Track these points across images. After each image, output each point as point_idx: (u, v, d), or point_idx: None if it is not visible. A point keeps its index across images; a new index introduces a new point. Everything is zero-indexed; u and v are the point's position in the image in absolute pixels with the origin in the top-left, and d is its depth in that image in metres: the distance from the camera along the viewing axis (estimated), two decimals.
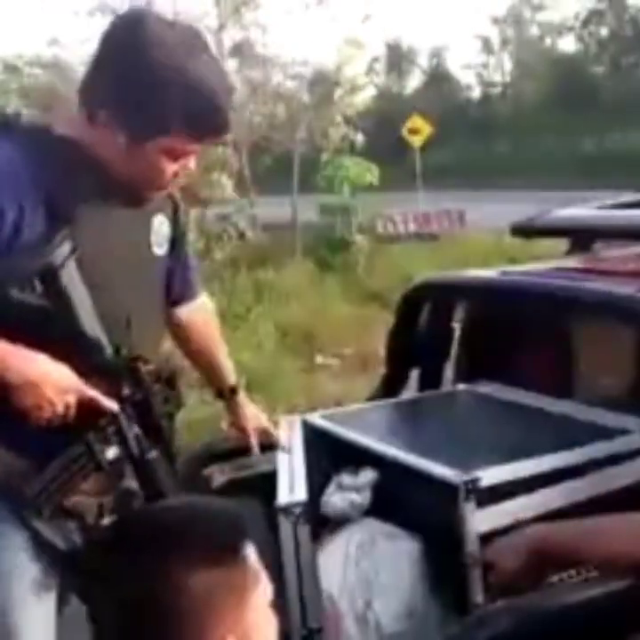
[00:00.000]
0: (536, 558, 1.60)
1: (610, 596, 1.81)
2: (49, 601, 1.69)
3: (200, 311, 2.05)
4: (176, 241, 1.84)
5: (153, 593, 0.97)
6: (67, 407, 1.50)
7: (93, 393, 1.53)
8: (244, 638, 1.00)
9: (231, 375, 2.20)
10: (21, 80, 11.93)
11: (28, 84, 11.59)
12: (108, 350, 1.56)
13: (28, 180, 1.51)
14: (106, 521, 1.64)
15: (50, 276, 1.48)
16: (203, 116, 1.54)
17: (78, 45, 15.56)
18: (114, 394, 1.56)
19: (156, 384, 1.66)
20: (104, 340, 1.55)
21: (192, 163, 1.63)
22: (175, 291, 1.97)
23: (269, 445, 2.31)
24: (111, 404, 1.55)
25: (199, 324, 2.06)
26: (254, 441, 2.24)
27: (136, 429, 1.59)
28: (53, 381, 1.47)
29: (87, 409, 1.53)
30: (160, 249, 1.75)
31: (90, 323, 1.53)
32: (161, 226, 1.75)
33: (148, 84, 1.49)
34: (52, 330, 1.50)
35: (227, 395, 2.21)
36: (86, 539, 1.58)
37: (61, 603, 1.75)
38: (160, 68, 1.49)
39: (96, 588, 1.01)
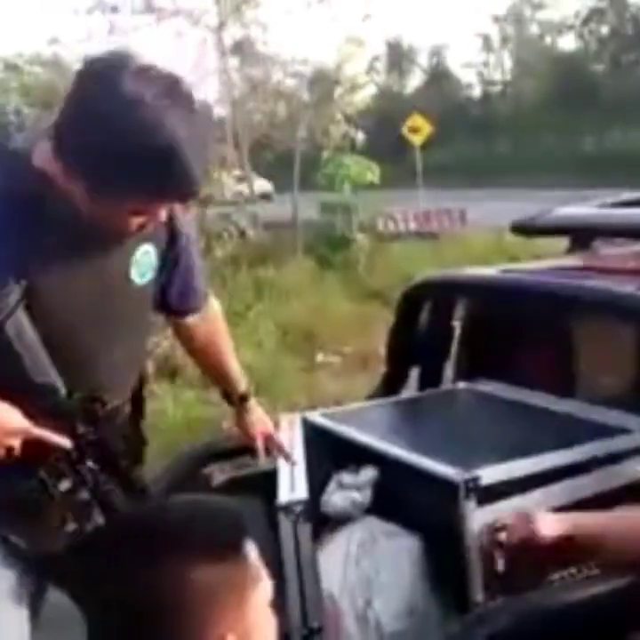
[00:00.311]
0: (565, 543, 1.59)
1: (610, 595, 1.81)
2: (22, 608, 1.70)
3: (205, 322, 2.01)
4: (165, 265, 1.78)
5: (154, 591, 0.96)
6: (9, 449, 1.51)
7: (41, 432, 1.52)
8: (244, 637, 1.00)
9: (240, 382, 2.17)
10: (22, 78, 11.92)
11: (29, 83, 11.58)
12: (62, 393, 1.55)
13: (4, 220, 1.49)
14: (70, 527, 1.66)
15: None
16: (172, 185, 1.45)
17: (78, 44, 15.59)
18: (68, 432, 1.56)
19: (115, 421, 1.65)
20: (58, 382, 1.55)
21: (162, 214, 1.57)
22: (173, 306, 1.93)
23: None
24: (62, 441, 1.54)
25: (204, 335, 2.03)
26: (260, 445, 2.22)
27: (90, 464, 1.59)
28: None
29: (38, 446, 1.53)
30: (142, 278, 1.69)
31: (40, 368, 1.53)
32: (145, 255, 1.69)
33: (108, 145, 1.40)
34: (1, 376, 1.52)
35: (236, 401, 2.19)
36: (57, 543, 1.60)
37: (34, 610, 1.75)
38: (130, 137, 1.38)
39: (95, 587, 1.01)
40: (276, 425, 2.34)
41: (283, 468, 2.21)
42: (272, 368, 6.51)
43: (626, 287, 2.25)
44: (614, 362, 2.49)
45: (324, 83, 14.85)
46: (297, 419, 2.46)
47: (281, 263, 11.38)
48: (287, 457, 2.22)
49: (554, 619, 1.80)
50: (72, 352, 1.56)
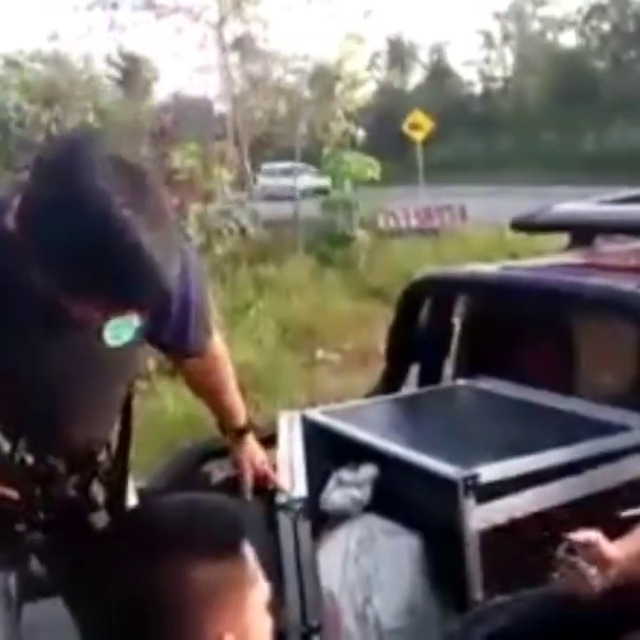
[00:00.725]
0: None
1: (609, 593, 1.81)
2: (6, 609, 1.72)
3: (204, 362, 1.95)
4: (154, 323, 1.68)
5: (152, 589, 0.96)
6: None
7: None
8: (242, 636, 0.99)
9: (239, 417, 2.12)
10: (22, 75, 11.90)
11: (29, 79, 11.56)
12: (3, 451, 1.56)
13: None
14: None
15: None
16: (126, 296, 1.35)
17: (78, 40, 15.59)
18: (17, 488, 1.57)
19: (67, 484, 1.65)
20: (5, 443, 1.56)
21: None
22: (168, 349, 1.89)
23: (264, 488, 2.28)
24: (8, 492, 1.56)
25: (201, 374, 1.99)
26: (248, 480, 2.15)
27: (41, 514, 1.61)
28: None
29: None
30: (118, 340, 1.59)
31: None
32: (123, 322, 1.57)
33: (66, 254, 1.30)
34: None
35: (232, 435, 2.15)
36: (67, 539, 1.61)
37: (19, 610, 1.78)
38: (90, 237, 1.27)
39: (95, 587, 1.00)
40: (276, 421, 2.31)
41: (282, 465, 2.20)
42: (272, 365, 6.51)
43: (626, 284, 2.24)
44: (614, 359, 2.49)
45: (324, 79, 14.84)
46: (296, 416, 2.46)
47: (281, 260, 11.37)
48: (282, 491, 2.14)
49: (553, 617, 1.80)
50: (24, 415, 1.56)
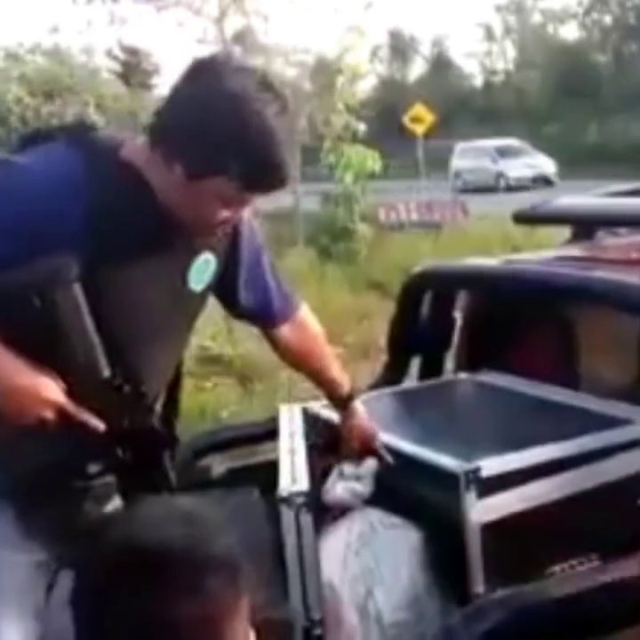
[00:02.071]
0: None
1: (609, 587, 1.81)
2: (32, 597, 1.69)
3: (295, 331, 2.00)
4: (228, 277, 1.81)
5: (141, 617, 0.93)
6: (42, 419, 1.52)
7: (76, 410, 1.53)
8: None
9: (342, 385, 2.14)
10: (22, 68, 11.88)
11: (29, 72, 11.54)
12: (104, 375, 1.55)
13: (82, 197, 1.52)
14: (87, 508, 1.67)
15: (47, 295, 1.49)
16: (258, 172, 1.53)
17: (78, 33, 15.55)
18: (104, 417, 1.55)
19: (151, 415, 1.64)
20: (102, 368, 1.55)
21: (246, 211, 1.64)
22: (256, 319, 1.97)
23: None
24: (96, 422, 1.54)
25: (296, 345, 2.01)
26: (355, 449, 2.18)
27: (120, 452, 1.59)
28: (34, 393, 1.51)
29: (73, 423, 1.54)
30: (198, 285, 1.72)
31: (87, 348, 1.53)
32: (204, 263, 1.72)
33: (213, 126, 1.49)
34: (49, 347, 1.52)
35: (339, 402, 2.17)
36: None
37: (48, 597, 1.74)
38: (229, 114, 1.49)
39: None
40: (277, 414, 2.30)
41: (284, 458, 2.20)
42: (273, 358, 6.50)
43: (629, 277, 2.24)
44: (617, 353, 2.49)
45: (325, 72, 14.79)
46: (297, 409, 2.45)
47: (282, 254, 11.36)
48: (386, 463, 2.17)
49: (554, 611, 1.80)
50: (118, 341, 1.56)
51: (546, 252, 2.84)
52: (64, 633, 1.85)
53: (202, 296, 1.77)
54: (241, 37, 16.57)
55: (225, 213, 1.59)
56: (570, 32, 52.65)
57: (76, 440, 1.56)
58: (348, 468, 2.22)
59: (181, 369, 1.87)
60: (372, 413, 2.41)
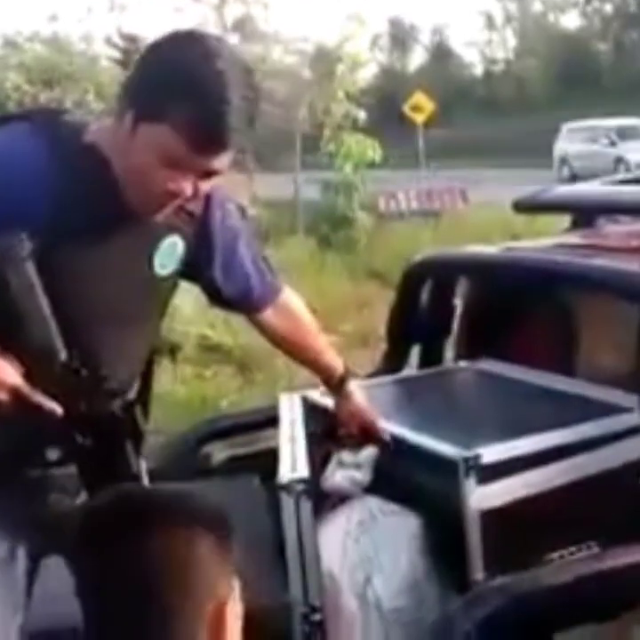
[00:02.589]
0: None
1: (608, 573, 1.81)
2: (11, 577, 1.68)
3: (281, 317, 1.98)
4: (201, 258, 1.76)
5: (157, 558, 0.97)
6: None
7: (31, 392, 1.49)
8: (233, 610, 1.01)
9: (335, 368, 2.11)
10: (21, 56, 11.85)
11: (28, 60, 11.51)
12: (61, 358, 1.51)
13: (42, 179, 1.51)
14: (51, 498, 1.65)
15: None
16: (202, 124, 1.47)
17: (77, 21, 15.51)
18: (61, 401, 1.51)
19: (114, 402, 1.60)
20: (58, 350, 1.51)
21: (187, 187, 1.53)
22: (238, 306, 1.94)
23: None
24: (52, 406, 1.50)
25: (283, 330, 1.99)
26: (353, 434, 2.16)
27: (79, 438, 1.55)
28: None
29: (29, 407, 1.50)
30: (164, 269, 1.68)
31: (42, 329, 1.49)
32: (170, 246, 1.68)
33: (169, 67, 1.48)
34: (4, 328, 1.49)
35: (334, 386, 2.14)
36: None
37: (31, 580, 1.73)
38: (190, 61, 1.47)
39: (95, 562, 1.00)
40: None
41: (284, 446, 2.20)
42: (272, 347, 6.50)
43: (629, 265, 2.24)
44: (617, 340, 2.48)
45: (325, 61, 14.76)
46: (297, 397, 2.45)
47: (281, 242, 11.35)
48: (386, 446, 2.15)
49: (553, 598, 1.80)
50: (75, 323, 1.53)
51: (546, 240, 2.83)
52: (51, 623, 1.87)
53: (169, 281, 1.73)
54: (241, 25, 16.53)
55: (169, 179, 1.52)
56: (571, 21, 52.43)
57: (34, 425, 1.52)
58: (347, 455, 2.22)
59: (154, 358, 1.83)
60: (371, 401, 2.42)
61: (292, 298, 2.02)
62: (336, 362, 2.12)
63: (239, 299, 1.90)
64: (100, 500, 1.06)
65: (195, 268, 1.77)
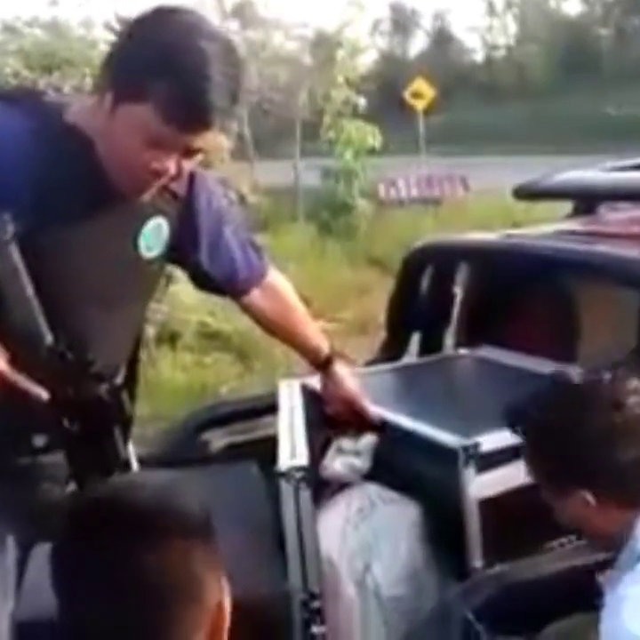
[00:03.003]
0: None
1: (606, 563, 1.81)
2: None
3: (268, 299, 1.98)
4: (187, 241, 1.76)
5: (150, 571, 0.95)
6: None
7: (17, 377, 1.47)
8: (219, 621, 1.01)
9: (320, 349, 2.12)
10: (20, 41, 11.79)
11: (27, 46, 11.45)
12: (47, 342, 1.49)
13: (23, 160, 1.49)
14: (42, 487, 1.64)
15: None
16: (183, 100, 1.45)
17: (77, 6, 15.43)
18: (48, 386, 1.50)
19: (101, 385, 1.59)
20: (43, 334, 1.49)
21: (171, 165, 1.52)
22: (223, 288, 1.93)
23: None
24: (38, 391, 1.48)
25: (270, 312, 2.00)
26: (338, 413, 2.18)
27: (67, 423, 1.52)
28: None
29: (15, 392, 1.48)
30: (149, 251, 1.68)
31: (27, 314, 1.47)
32: (155, 228, 1.67)
33: (149, 46, 1.45)
34: None
35: (321, 367, 2.15)
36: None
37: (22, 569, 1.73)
38: (171, 40, 1.45)
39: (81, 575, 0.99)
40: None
41: (283, 433, 2.20)
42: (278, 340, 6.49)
43: (630, 252, 2.23)
44: (617, 327, 2.48)
45: (325, 46, 14.69)
46: (296, 384, 2.45)
47: (281, 229, 11.33)
48: (375, 426, 2.16)
49: (551, 585, 1.80)
50: (60, 306, 1.51)
51: (547, 227, 2.82)
52: (40, 612, 1.86)
53: (155, 263, 1.72)
54: (240, 10, 16.46)
55: (153, 158, 1.51)
56: (572, 6, 52.28)
57: (21, 411, 1.50)
58: (346, 442, 2.22)
59: (140, 343, 1.82)
60: (370, 389, 2.41)
61: (278, 279, 2.02)
62: (323, 343, 2.13)
63: (225, 281, 1.89)
64: (87, 500, 1.05)
65: (181, 251, 1.76)
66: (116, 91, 1.47)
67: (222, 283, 1.89)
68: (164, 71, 1.43)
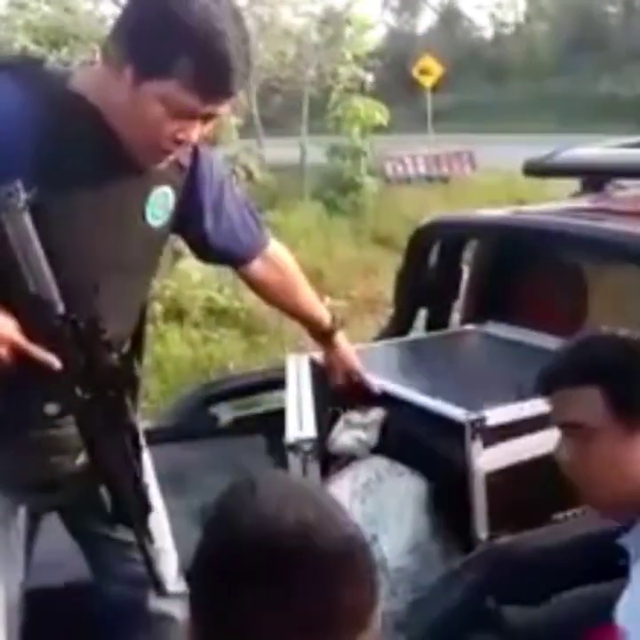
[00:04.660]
0: None
1: (611, 535, 1.82)
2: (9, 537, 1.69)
3: (269, 269, 1.98)
4: (188, 213, 1.76)
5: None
6: None
7: (29, 346, 1.48)
8: None
9: (322, 320, 2.13)
10: (28, 16, 11.73)
11: (35, 20, 11.39)
12: (59, 310, 1.49)
13: (29, 129, 1.47)
14: (53, 459, 1.64)
15: None
16: (209, 72, 1.47)
17: None
18: (60, 354, 1.50)
19: (111, 355, 1.56)
20: (56, 302, 1.49)
21: (194, 133, 1.54)
22: (223, 257, 1.93)
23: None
24: (50, 359, 1.48)
25: (272, 283, 1.99)
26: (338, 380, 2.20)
27: (79, 391, 1.53)
28: None
29: (28, 361, 1.49)
30: (156, 220, 1.68)
31: (39, 282, 1.47)
32: (161, 197, 1.67)
33: (168, 20, 1.45)
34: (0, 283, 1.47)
35: (322, 338, 2.17)
36: None
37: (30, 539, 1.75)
38: (187, 12, 1.45)
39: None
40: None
41: (291, 406, 2.21)
42: (279, 311, 6.51)
43: (638, 229, 2.22)
44: (625, 304, 2.48)
45: (334, 23, 14.59)
46: (305, 359, 2.46)
47: (289, 207, 11.31)
48: (373, 397, 2.18)
49: (556, 557, 1.82)
50: (72, 275, 1.51)
51: (555, 204, 2.82)
52: (48, 583, 1.88)
53: (161, 232, 1.72)
54: None
55: (171, 127, 1.52)
56: None
57: (33, 380, 1.50)
58: (354, 416, 2.23)
59: (146, 313, 1.82)
60: (378, 363, 2.43)
61: (278, 250, 2.02)
62: (324, 314, 2.14)
63: (227, 251, 1.89)
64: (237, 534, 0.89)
65: (185, 220, 1.76)
66: (136, 67, 1.47)
67: (224, 252, 1.89)
68: (186, 46, 1.44)
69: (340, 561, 0.88)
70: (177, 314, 6.35)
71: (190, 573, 0.93)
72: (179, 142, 1.55)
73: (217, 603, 0.87)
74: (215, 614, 0.88)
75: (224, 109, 1.55)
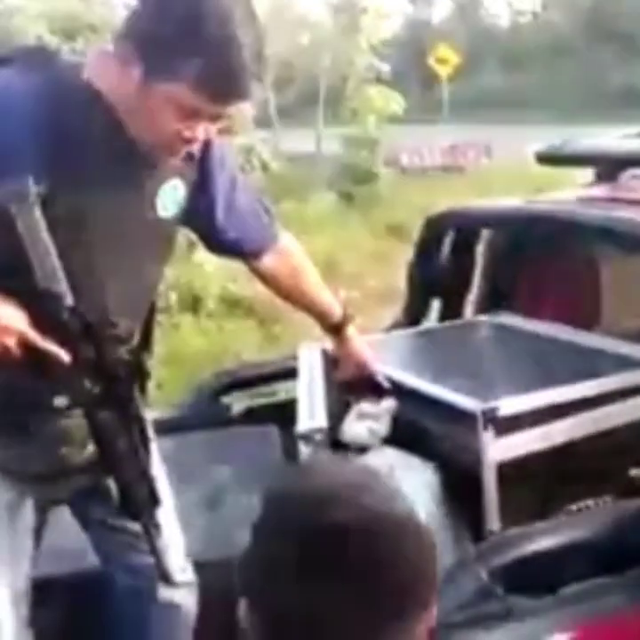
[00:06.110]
0: None
1: (623, 526, 1.81)
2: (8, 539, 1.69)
3: (280, 263, 1.97)
4: (199, 206, 1.75)
5: None
6: (5, 350, 1.47)
7: (37, 338, 1.48)
8: None
9: (333, 313, 2.12)
10: (42, 5, 11.73)
11: (49, 9, 11.39)
12: (67, 303, 1.49)
13: (40, 121, 1.48)
14: (61, 450, 1.65)
15: (6, 217, 1.44)
16: (219, 75, 1.45)
17: None
18: (69, 346, 1.50)
19: (120, 347, 1.58)
20: (65, 295, 1.49)
21: (202, 132, 1.53)
22: (234, 251, 1.92)
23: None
24: (59, 351, 1.49)
25: (283, 276, 1.99)
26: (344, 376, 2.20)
27: (87, 383, 1.54)
28: None
29: (36, 355, 1.49)
30: (165, 211, 1.67)
31: (48, 274, 1.47)
32: (172, 189, 1.67)
33: (180, 22, 1.43)
34: (10, 274, 1.48)
35: (333, 331, 2.16)
36: None
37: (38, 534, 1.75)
38: (199, 14, 1.43)
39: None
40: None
41: (302, 396, 2.21)
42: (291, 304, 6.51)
43: None
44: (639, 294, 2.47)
45: (350, 12, 14.54)
46: (317, 348, 2.46)
47: (304, 197, 11.30)
48: (383, 391, 2.18)
49: (567, 549, 1.81)
50: (81, 268, 1.52)
51: (569, 193, 2.80)
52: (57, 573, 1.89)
53: (171, 224, 1.71)
54: None
55: (185, 128, 1.51)
56: None
57: (42, 372, 1.51)
58: (366, 406, 2.23)
59: (156, 306, 1.82)
60: (390, 353, 2.42)
61: (290, 243, 2.01)
62: (335, 307, 2.13)
63: (238, 245, 1.89)
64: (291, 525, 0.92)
65: (196, 213, 1.76)
66: (146, 69, 1.46)
67: (234, 246, 1.88)
68: (195, 48, 1.43)
69: (411, 542, 0.94)
70: (191, 304, 6.36)
71: (243, 564, 0.93)
72: (187, 142, 1.54)
73: (286, 594, 0.89)
74: (285, 606, 0.90)
75: (235, 109, 1.54)
